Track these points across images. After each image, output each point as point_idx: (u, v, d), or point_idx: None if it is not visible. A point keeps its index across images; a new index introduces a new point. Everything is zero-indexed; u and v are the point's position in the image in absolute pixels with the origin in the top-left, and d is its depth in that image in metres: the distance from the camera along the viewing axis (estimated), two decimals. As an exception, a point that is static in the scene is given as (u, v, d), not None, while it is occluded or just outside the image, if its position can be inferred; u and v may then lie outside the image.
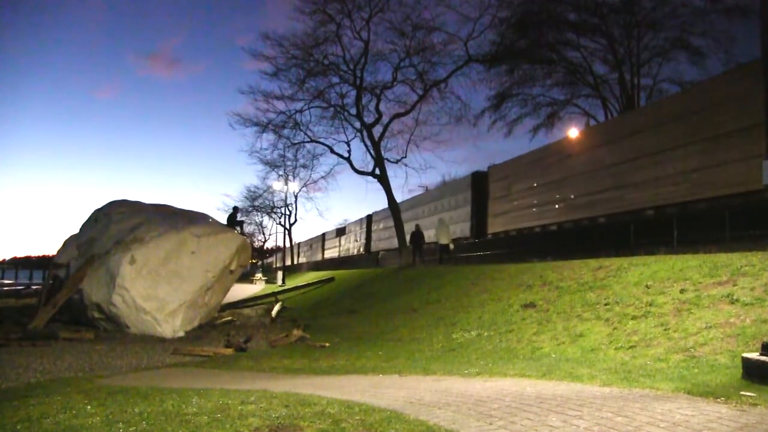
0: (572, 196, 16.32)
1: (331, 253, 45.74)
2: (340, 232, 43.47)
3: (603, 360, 6.36)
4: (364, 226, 35.94)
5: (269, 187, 43.70)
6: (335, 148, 25.76)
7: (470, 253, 21.25)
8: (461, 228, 22.47)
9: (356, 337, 11.18)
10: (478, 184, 21.78)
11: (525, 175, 18.97)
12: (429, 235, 22.98)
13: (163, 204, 15.81)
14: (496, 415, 3.79)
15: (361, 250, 36.21)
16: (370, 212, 35.60)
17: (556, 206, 17.05)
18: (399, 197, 26.38)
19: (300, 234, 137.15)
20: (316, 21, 22.36)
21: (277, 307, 16.96)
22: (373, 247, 33.96)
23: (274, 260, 61.77)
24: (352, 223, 40.46)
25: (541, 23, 23.45)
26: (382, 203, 36.56)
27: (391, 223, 26.80)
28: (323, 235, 49.25)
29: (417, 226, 21.67)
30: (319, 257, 49.61)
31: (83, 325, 12.44)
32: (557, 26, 23.86)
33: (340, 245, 42.82)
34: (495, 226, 20.56)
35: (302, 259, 57.36)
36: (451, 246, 20.62)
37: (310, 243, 55.68)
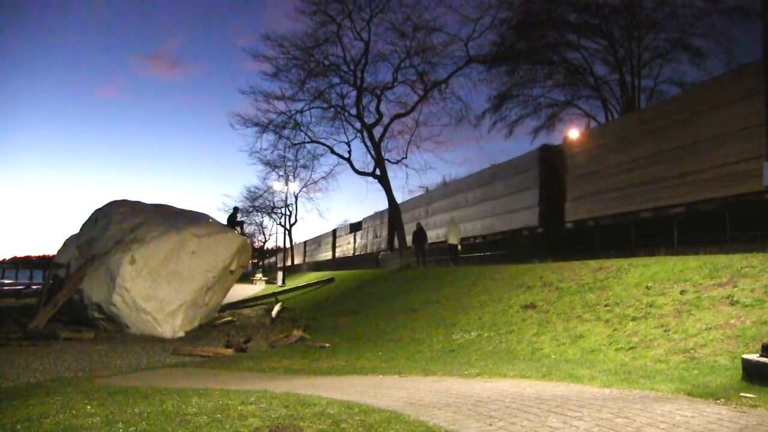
0: (716, 165, 11.66)
1: (343, 251, 42.08)
2: (355, 227, 40.17)
3: (603, 361, 6.36)
4: (386, 220, 32.22)
5: (269, 187, 43.76)
6: (336, 149, 25.74)
7: (539, 248, 16.78)
8: (524, 217, 18.20)
9: (356, 337, 11.18)
10: (549, 159, 17.51)
11: (630, 142, 14.33)
12: (467, 229, 20.81)
13: (163, 204, 15.84)
14: (496, 416, 3.79)
15: (382, 246, 32.71)
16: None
17: (683, 181, 12.52)
18: (399, 198, 26.29)
19: (300, 234, 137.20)
20: (317, 21, 22.37)
21: (277, 308, 16.96)
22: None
23: (276, 260, 60.58)
24: (369, 217, 37.07)
25: (541, 24, 23.45)
26: (383, 203, 36.01)
27: (419, 214, 25.60)
28: (334, 231, 46.17)
29: (418, 224, 21.51)
30: (328, 255, 46.30)
31: (83, 325, 12.45)
32: (558, 27, 23.86)
33: (354, 242, 39.30)
34: (577, 211, 16.02)
35: (309, 258, 53.87)
36: (459, 246, 20.21)
37: (318, 241, 52.27)
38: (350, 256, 39.34)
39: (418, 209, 27.01)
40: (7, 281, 45.73)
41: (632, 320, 7.26)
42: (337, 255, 44.08)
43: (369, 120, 23.86)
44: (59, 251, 14.20)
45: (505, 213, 19.56)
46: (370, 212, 35.43)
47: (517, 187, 18.91)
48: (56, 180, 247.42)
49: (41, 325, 11.79)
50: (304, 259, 55.60)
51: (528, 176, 18.33)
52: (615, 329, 7.24)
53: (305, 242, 57.44)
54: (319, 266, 45.12)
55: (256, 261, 66.29)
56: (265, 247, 70.13)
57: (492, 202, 20.50)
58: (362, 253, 36.70)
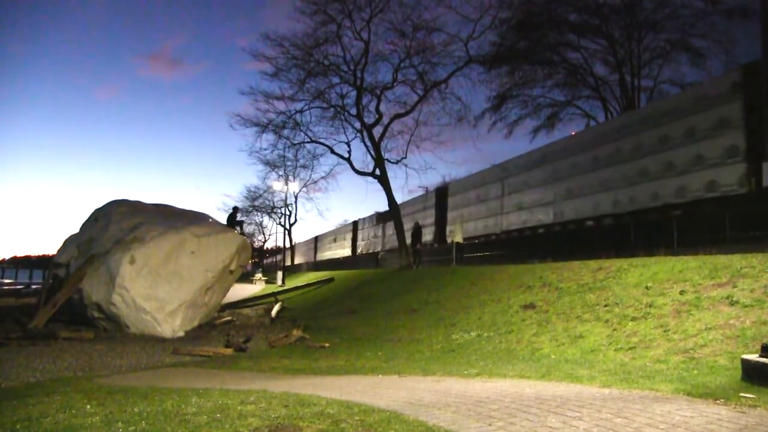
0: None
1: (366, 247, 36.35)
2: (383, 218, 33.48)
3: (602, 361, 6.36)
4: (431, 206, 26.55)
5: (269, 187, 43.91)
6: (335, 149, 25.77)
7: (746, 230, 10.21)
8: (707, 180, 12.13)
9: (356, 337, 11.18)
10: (756, 84, 11.30)
11: None
12: (577, 208, 15.78)
13: (163, 204, 15.83)
14: (495, 416, 3.79)
15: (427, 239, 26.06)
16: (439, 185, 27.24)
17: None
18: (399, 198, 26.21)
19: (300, 234, 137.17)
20: (317, 21, 22.40)
21: (276, 308, 16.96)
22: (450, 235, 23.60)
23: (276, 260, 58.28)
24: (406, 203, 30.16)
25: (541, 24, 23.48)
26: (383, 204, 35.66)
27: (487, 194, 21.92)
28: (355, 223, 40.80)
29: (416, 223, 21.52)
30: (345, 252, 41.20)
31: (83, 324, 12.44)
32: (558, 27, 23.89)
33: (384, 235, 32.71)
34: None
35: (320, 257, 48.95)
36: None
37: (333, 236, 47.42)
38: (376, 252, 32.89)
39: (487, 187, 22.02)
40: (6, 281, 45.74)
41: (632, 320, 7.26)
42: (358, 251, 38.62)
43: (369, 120, 23.89)
44: (59, 251, 14.19)
45: (660, 179, 13.40)
46: (370, 212, 34.70)
47: (691, 135, 12.69)
48: (56, 180, 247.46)
49: (41, 325, 11.78)
50: (314, 257, 51.73)
51: (715, 115, 12.13)
52: (614, 329, 7.25)
53: (316, 238, 54.11)
54: (336, 265, 37.89)
55: (256, 260, 66.25)
56: (264, 247, 70.28)
57: (628, 166, 14.39)
58: (394, 247, 28.11)
